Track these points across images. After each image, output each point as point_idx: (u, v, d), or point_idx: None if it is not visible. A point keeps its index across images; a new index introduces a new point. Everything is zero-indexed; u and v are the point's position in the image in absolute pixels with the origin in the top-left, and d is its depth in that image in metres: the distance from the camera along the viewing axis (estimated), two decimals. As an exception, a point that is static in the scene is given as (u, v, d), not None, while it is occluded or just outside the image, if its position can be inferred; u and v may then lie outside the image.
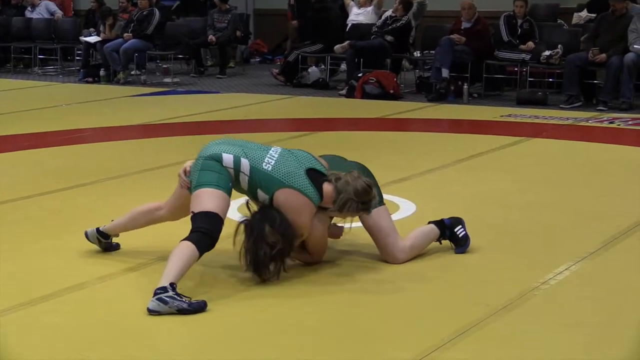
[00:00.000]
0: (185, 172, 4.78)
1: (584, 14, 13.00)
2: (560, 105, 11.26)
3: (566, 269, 4.97)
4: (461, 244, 5.22)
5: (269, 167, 4.67)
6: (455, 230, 5.22)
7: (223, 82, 14.12)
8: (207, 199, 4.54)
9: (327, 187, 4.70)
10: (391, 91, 12.06)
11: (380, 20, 13.03)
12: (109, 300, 4.51)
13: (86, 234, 5.19)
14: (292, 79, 13.50)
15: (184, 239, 4.44)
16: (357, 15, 13.53)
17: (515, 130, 9.55)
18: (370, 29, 13.00)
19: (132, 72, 14.29)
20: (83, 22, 15.92)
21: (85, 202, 6.52)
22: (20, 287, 4.67)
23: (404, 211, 6.21)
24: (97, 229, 5.16)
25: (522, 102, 11.54)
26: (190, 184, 4.70)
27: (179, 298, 4.23)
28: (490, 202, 6.49)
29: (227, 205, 4.61)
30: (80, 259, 5.12)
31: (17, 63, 15.94)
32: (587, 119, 10.31)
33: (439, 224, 5.23)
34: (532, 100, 11.54)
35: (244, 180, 4.66)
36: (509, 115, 10.59)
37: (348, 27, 13.42)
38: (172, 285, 4.26)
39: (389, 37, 12.69)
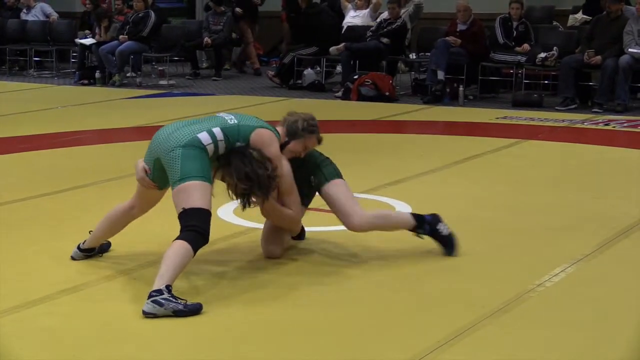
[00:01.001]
0: (146, 171, 4.75)
1: (580, 16, 13.02)
2: (556, 107, 11.27)
3: (562, 271, 4.97)
4: (449, 244, 5.15)
5: (234, 121, 4.77)
6: (437, 227, 5.15)
7: (218, 84, 14.11)
8: (195, 194, 4.46)
9: (278, 127, 4.98)
10: (387, 93, 12.07)
11: (375, 23, 13.03)
12: (104, 302, 4.51)
13: (73, 258, 5.10)
14: (288, 81, 13.49)
15: (177, 238, 4.40)
16: (353, 17, 13.54)
17: (511, 133, 9.56)
18: (366, 31, 13.00)
19: (128, 74, 14.27)
20: (78, 24, 15.91)
21: (81, 204, 6.51)
22: (16, 289, 4.66)
23: (399, 213, 6.20)
24: (79, 248, 5.09)
25: (517, 104, 11.55)
26: (158, 178, 4.71)
27: (174, 300, 4.22)
28: (485, 204, 6.49)
29: (210, 194, 4.59)
30: (75, 262, 5.10)
31: (13, 65, 15.93)
32: (583, 121, 10.32)
33: (419, 217, 5.18)
34: (528, 103, 11.55)
35: (222, 146, 4.69)
36: (505, 118, 10.59)
37: (344, 29, 13.42)
38: (168, 288, 4.24)
39: (384, 40, 12.70)
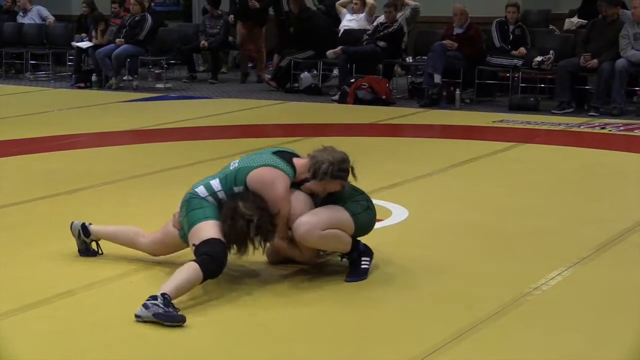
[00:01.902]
0: (176, 214, 4.86)
1: (576, 19, 13.02)
2: (552, 111, 11.27)
3: (558, 274, 4.97)
4: (356, 275, 4.86)
5: (235, 165, 4.76)
6: (362, 259, 4.89)
7: (215, 88, 14.10)
8: (203, 231, 4.58)
9: (299, 160, 4.76)
10: (383, 97, 12.06)
11: (372, 27, 13.04)
12: (99, 306, 4.50)
13: (71, 224, 5.22)
14: (285, 85, 13.49)
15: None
16: (350, 21, 13.53)
17: (508, 136, 9.56)
18: (363, 35, 13.00)
19: (124, 78, 14.25)
20: (75, 27, 15.89)
21: (76, 208, 6.49)
22: (11, 293, 4.65)
23: (396, 217, 6.21)
24: (83, 224, 5.17)
25: (514, 108, 11.55)
26: (181, 227, 4.77)
27: (161, 305, 4.17)
28: (482, 208, 6.49)
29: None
30: (71, 265, 5.10)
31: (9, 68, 15.89)
32: (579, 125, 10.33)
33: (355, 242, 4.91)
34: (524, 106, 11.55)
35: (223, 195, 4.70)
36: (501, 121, 10.59)
37: (340, 33, 13.42)
38: (163, 295, 4.23)
39: (381, 43, 12.70)
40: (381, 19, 13.07)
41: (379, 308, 4.51)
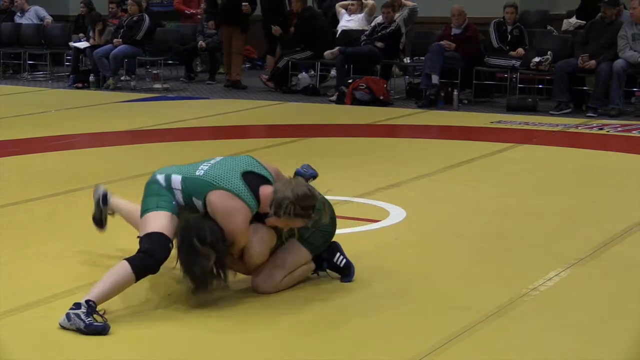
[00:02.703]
0: None
1: (574, 20, 13.03)
2: (550, 112, 11.28)
3: (556, 275, 4.97)
4: (346, 274, 4.81)
5: (201, 172, 4.46)
6: (335, 260, 4.80)
7: (213, 88, 14.10)
8: (150, 222, 4.41)
9: (265, 190, 4.41)
10: (381, 97, 12.07)
11: (370, 28, 13.04)
12: (98, 306, 4.48)
13: (97, 188, 5.19)
14: (282, 85, 13.49)
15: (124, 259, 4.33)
16: (348, 21, 13.54)
17: (505, 137, 9.56)
18: (360, 35, 13.00)
19: (122, 78, 14.25)
20: (72, 27, 15.88)
21: (74, 208, 6.49)
22: (9, 293, 4.64)
23: (394, 217, 6.21)
24: (105, 192, 5.14)
25: (512, 109, 11.56)
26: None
27: (82, 316, 4.03)
28: (480, 208, 6.49)
29: (174, 225, 4.40)
30: (70, 265, 5.09)
31: (6, 68, 15.89)
32: (577, 126, 10.34)
33: (317, 258, 4.78)
34: (522, 107, 11.56)
35: (179, 196, 4.48)
36: (499, 122, 10.60)
37: (338, 33, 13.42)
38: (88, 302, 4.08)
39: (379, 44, 12.70)
40: (379, 19, 13.08)
41: (376, 309, 4.51)
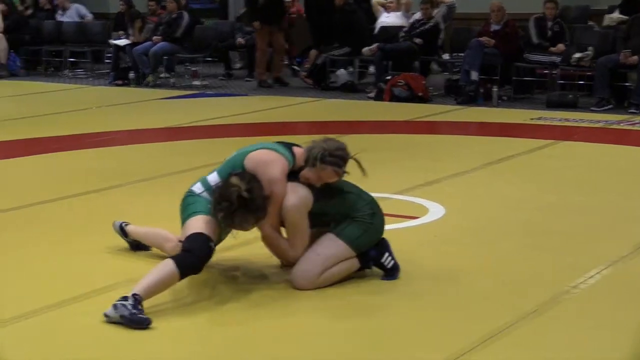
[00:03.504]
0: None
1: (616, 15, 12.87)
2: (591, 108, 11.17)
3: (597, 273, 4.91)
4: (390, 274, 4.80)
5: (233, 153, 4.73)
6: (382, 260, 4.78)
7: (251, 85, 14.13)
8: (189, 227, 4.49)
9: (299, 149, 4.67)
10: (420, 94, 12.02)
11: (408, 24, 13.00)
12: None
13: (114, 224, 5.28)
14: (320, 82, 13.49)
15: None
16: (387, 17, 13.51)
17: (545, 134, 9.48)
18: (399, 32, 12.97)
19: (161, 75, 14.34)
20: (112, 25, 16.01)
21: (113, 204, 6.53)
22: (50, 288, 4.68)
23: (432, 214, 6.18)
24: (121, 225, 5.23)
25: (552, 105, 11.45)
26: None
27: (128, 307, 4.11)
28: (520, 205, 6.44)
29: (214, 226, 4.48)
30: (110, 261, 5.13)
31: (48, 66, 16.05)
32: (619, 122, 10.22)
33: (363, 256, 4.75)
34: (563, 103, 11.46)
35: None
36: (539, 118, 10.51)
37: (377, 30, 13.40)
38: (135, 296, 4.15)
39: (417, 40, 12.66)
40: (417, 15, 13.03)
41: (415, 306, 4.49)
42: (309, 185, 4.62)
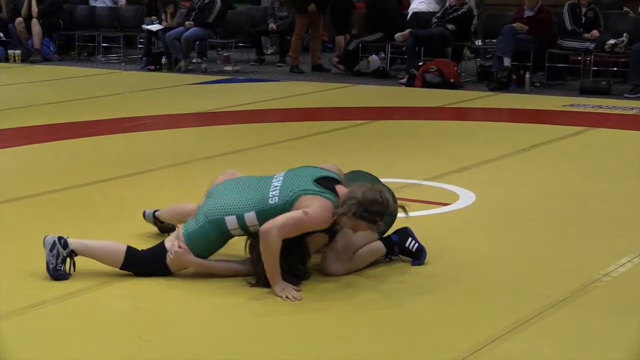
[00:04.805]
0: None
1: (652, 1, 12.74)
2: (625, 95, 11.07)
3: (629, 261, 4.88)
4: (417, 257, 4.81)
5: (275, 199, 4.45)
6: (407, 245, 4.81)
7: (283, 70, 14.14)
8: (180, 257, 4.55)
9: (341, 189, 4.47)
10: (452, 80, 11.97)
11: (441, 10, 12.94)
12: (171, 285, 4.54)
13: (144, 214, 5.33)
14: (352, 68, 13.46)
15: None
16: (420, 3, 13.46)
17: (578, 120, 9.41)
18: (431, 18, 12.92)
19: (193, 61, 14.38)
20: (145, 10, 16.07)
21: (145, 189, 6.58)
22: (85, 270, 4.70)
23: (463, 201, 6.16)
24: (154, 213, 5.26)
25: (585, 92, 11.37)
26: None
27: (58, 261, 4.51)
28: (551, 193, 6.41)
29: (198, 265, 4.59)
30: (141, 245, 5.15)
31: (81, 51, 16.15)
32: (653, 109, 10.13)
33: (386, 241, 4.79)
34: (596, 90, 11.37)
35: (255, 229, 4.46)
36: (572, 105, 10.44)
37: (409, 16, 13.35)
38: (72, 252, 4.54)
39: (450, 26, 12.60)
40: (450, 1, 12.96)
41: (445, 292, 4.48)
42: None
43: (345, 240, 4.65)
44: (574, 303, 4.30)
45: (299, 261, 4.51)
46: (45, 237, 4.61)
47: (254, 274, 4.49)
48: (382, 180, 5.00)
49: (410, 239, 4.83)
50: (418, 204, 5.91)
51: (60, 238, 4.57)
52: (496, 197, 6.31)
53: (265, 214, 4.42)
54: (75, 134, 8.81)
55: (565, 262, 4.92)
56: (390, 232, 4.84)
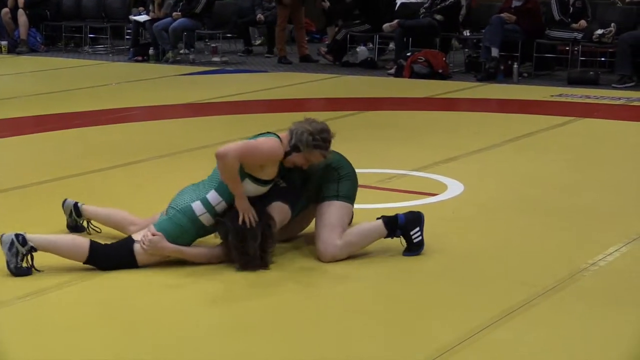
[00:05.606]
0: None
1: (640, -9, 12.75)
2: (612, 85, 11.09)
3: (616, 250, 4.90)
4: (413, 250, 4.81)
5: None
6: (411, 234, 4.79)
7: (271, 61, 14.11)
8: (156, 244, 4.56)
9: (282, 134, 4.68)
10: (440, 70, 11.97)
11: (429, 1, 12.93)
12: (159, 274, 4.53)
13: (64, 202, 5.24)
14: (340, 58, 13.45)
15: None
16: (407, -6, 13.43)
17: (566, 110, 9.42)
18: (419, 8, 12.90)
19: (181, 51, 14.32)
20: (132, 1, 16.00)
21: (132, 180, 6.56)
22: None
23: (451, 191, 6.17)
24: (76, 203, 5.19)
25: (573, 82, 11.38)
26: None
27: (18, 260, 4.44)
28: (539, 183, 6.42)
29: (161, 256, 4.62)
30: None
31: (68, 42, 16.07)
32: (640, 99, 10.15)
33: (391, 221, 4.78)
34: (584, 80, 11.38)
35: (222, 206, 4.61)
36: (560, 95, 10.45)
37: (397, 6, 13.33)
38: (32, 249, 4.46)
39: (438, 16, 12.59)
40: (438, -9, 12.94)
41: (434, 282, 4.49)
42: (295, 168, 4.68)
43: (327, 221, 4.69)
44: (562, 292, 4.32)
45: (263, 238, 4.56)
46: (2, 236, 4.51)
47: (229, 258, 4.57)
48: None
49: (417, 229, 4.81)
50: (406, 194, 5.91)
51: (17, 235, 4.49)
52: (484, 188, 6.32)
53: (223, 185, 4.58)
54: (62, 125, 8.78)
55: (552, 252, 4.93)
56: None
